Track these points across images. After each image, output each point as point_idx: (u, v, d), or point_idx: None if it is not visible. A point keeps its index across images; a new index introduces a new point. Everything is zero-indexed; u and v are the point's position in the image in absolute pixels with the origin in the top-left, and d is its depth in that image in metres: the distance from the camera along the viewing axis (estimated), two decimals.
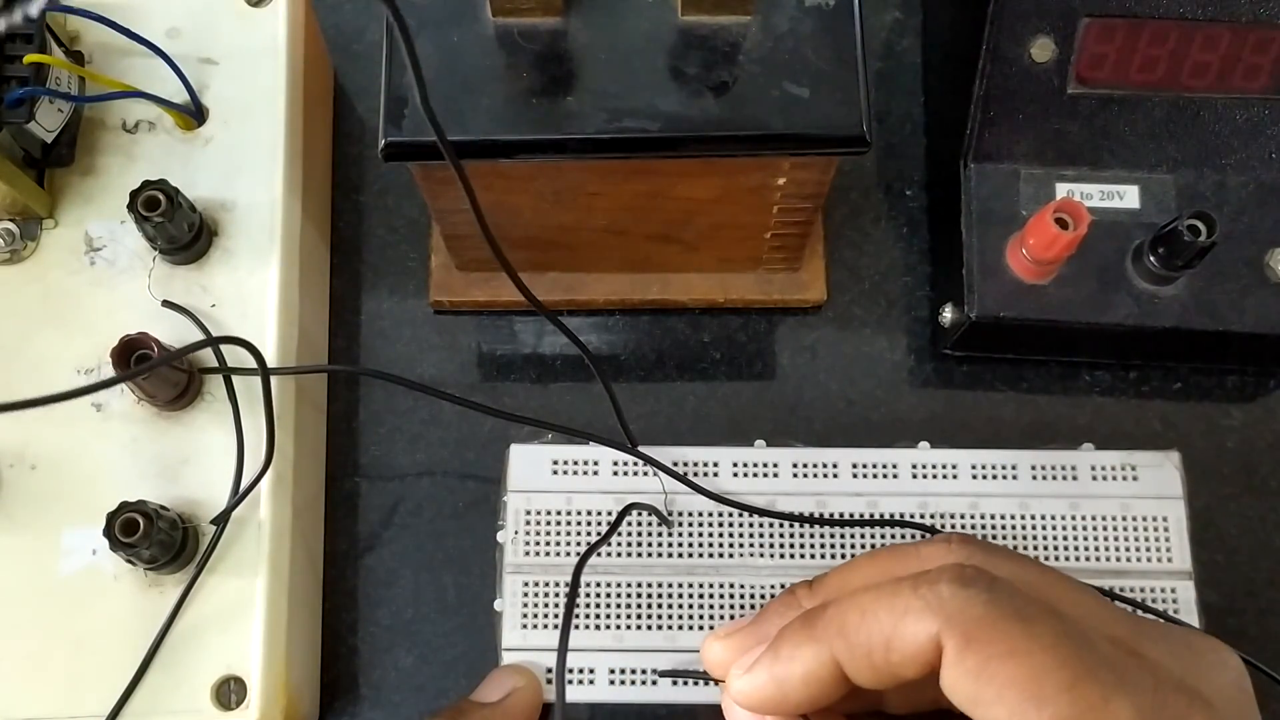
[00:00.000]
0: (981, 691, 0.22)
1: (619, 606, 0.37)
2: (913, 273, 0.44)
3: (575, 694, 0.36)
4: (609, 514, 0.38)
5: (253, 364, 0.35)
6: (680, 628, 0.37)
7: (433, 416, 0.42)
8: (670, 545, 0.38)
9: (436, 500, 0.41)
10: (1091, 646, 0.22)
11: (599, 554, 0.37)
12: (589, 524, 0.38)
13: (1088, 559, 0.38)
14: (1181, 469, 0.39)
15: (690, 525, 0.38)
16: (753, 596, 0.37)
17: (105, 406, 0.36)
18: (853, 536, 0.38)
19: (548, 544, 0.38)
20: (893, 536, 0.38)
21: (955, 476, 0.39)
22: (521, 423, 0.37)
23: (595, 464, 0.39)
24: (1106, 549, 0.38)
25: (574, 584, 0.36)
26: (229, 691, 0.34)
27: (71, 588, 0.35)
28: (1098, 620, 0.24)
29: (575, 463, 0.39)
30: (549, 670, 0.37)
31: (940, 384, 0.43)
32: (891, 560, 0.26)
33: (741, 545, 0.38)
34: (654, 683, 0.37)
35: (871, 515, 0.38)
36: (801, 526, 0.38)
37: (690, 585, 0.37)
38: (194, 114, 0.39)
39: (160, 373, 0.34)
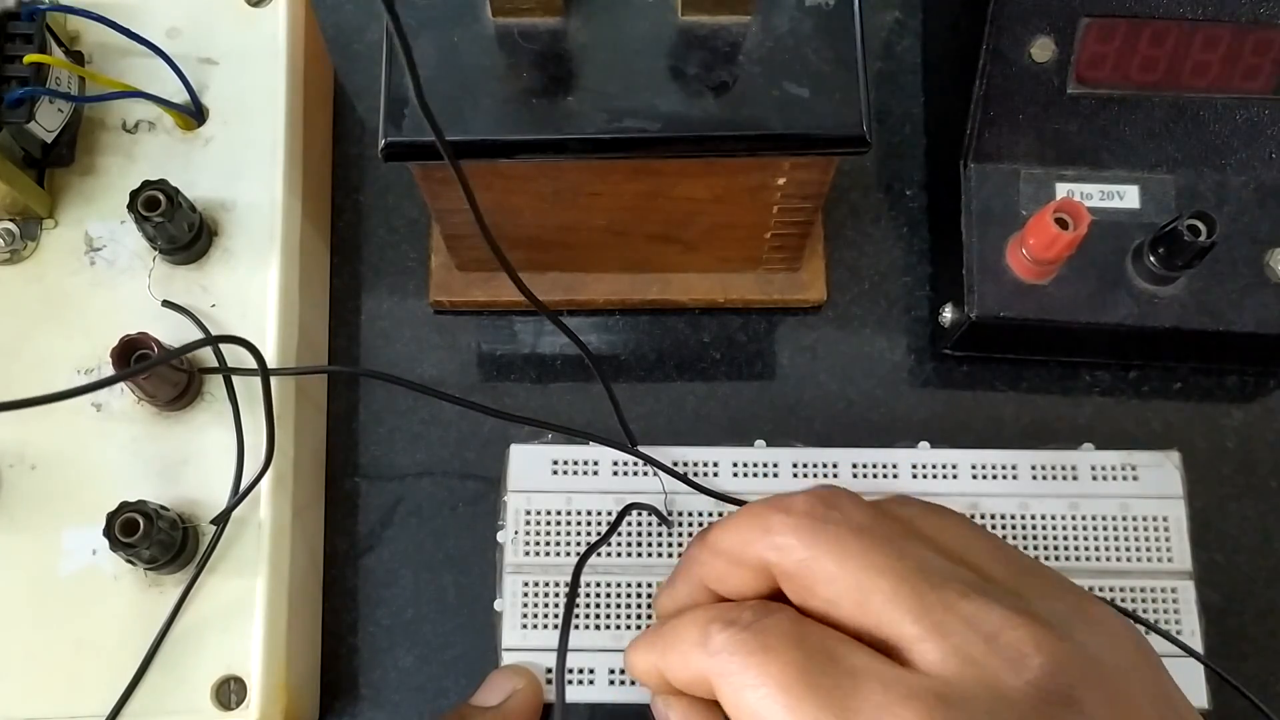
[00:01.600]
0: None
1: (619, 606, 0.37)
2: (913, 273, 0.44)
3: (575, 694, 0.36)
4: (609, 514, 0.38)
5: (252, 363, 0.35)
6: None
7: (433, 416, 0.42)
8: (670, 545, 0.38)
9: (436, 500, 0.41)
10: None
11: (599, 554, 0.37)
12: (589, 524, 0.38)
13: (1088, 559, 0.38)
14: (1181, 469, 0.39)
15: (690, 525, 0.38)
16: None
17: (105, 406, 0.36)
18: None
19: (548, 544, 0.38)
20: None
21: (955, 476, 0.39)
22: (521, 423, 0.37)
23: (595, 464, 0.39)
24: (1106, 549, 0.38)
25: (574, 584, 0.36)
26: (229, 691, 0.34)
27: (71, 588, 0.35)
28: (933, 578, 0.26)
29: (575, 463, 0.39)
30: (549, 670, 0.37)
31: (940, 384, 0.43)
32: (749, 528, 0.29)
33: None
34: None
35: None
36: None
37: None
38: (194, 114, 0.39)
39: (160, 372, 0.34)
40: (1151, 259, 0.38)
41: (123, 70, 0.39)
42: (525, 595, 0.37)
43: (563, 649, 0.36)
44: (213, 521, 0.35)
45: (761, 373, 0.43)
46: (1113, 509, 0.38)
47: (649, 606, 0.37)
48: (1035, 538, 0.38)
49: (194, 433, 0.36)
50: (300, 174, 0.39)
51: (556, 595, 0.37)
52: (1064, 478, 0.39)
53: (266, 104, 0.39)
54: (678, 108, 0.32)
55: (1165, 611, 0.37)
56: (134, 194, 0.35)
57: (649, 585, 0.37)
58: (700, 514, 0.38)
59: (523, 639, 0.37)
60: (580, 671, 0.37)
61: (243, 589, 0.35)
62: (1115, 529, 0.38)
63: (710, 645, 0.27)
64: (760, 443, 0.39)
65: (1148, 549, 0.38)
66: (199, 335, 0.36)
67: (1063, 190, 0.39)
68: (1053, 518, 0.38)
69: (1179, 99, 0.39)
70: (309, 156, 0.40)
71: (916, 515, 0.29)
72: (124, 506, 0.33)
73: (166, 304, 0.37)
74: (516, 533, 0.38)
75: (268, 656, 0.34)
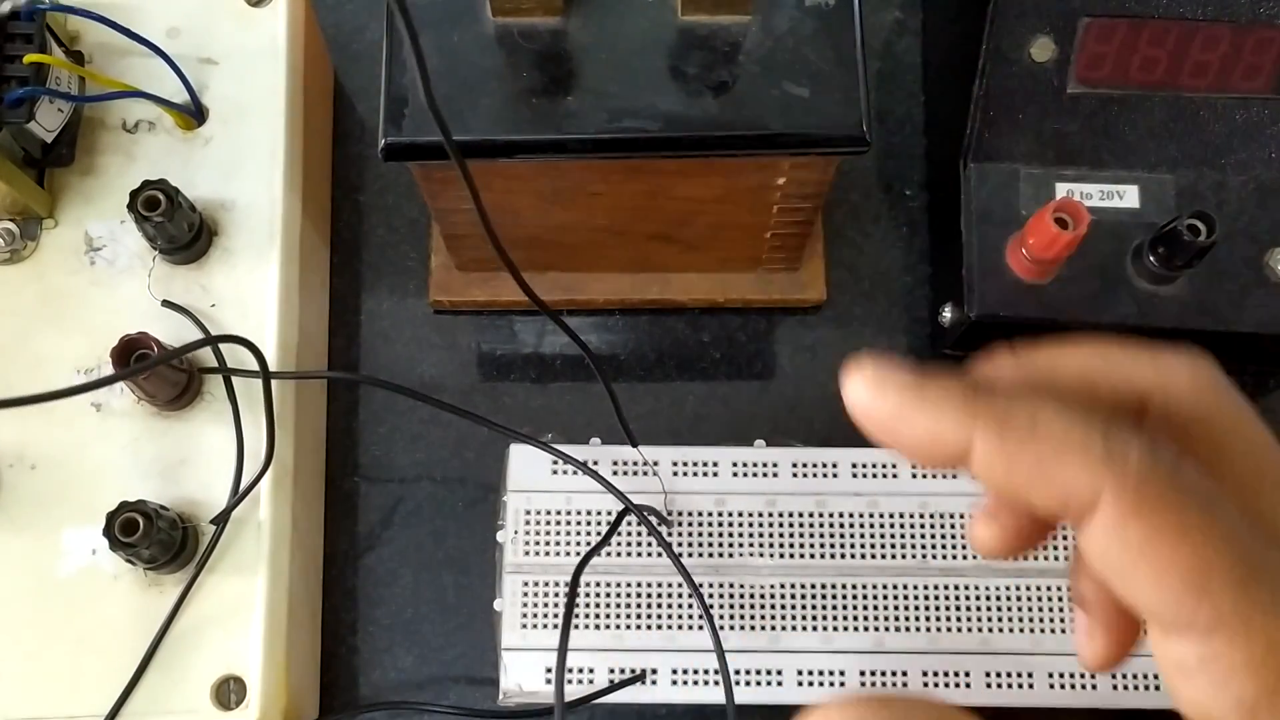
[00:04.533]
0: (1135, 566, 0.20)
1: (619, 606, 0.37)
2: (913, 273, 0.44)
3: (575, 694, 0.36)
4: (609, 514, 0.38)
5: (253, 363, 0.35)
6: (680, 628, 0.37)
7: (432, 416, 0.42)
8: (670, 545, 0.38)
9: (436, 500, 0.41)
10: (1269, 548, 0.20)
11: (599, 554, 0.37)
12: (589, 524, 0.38)
13: None
14: None
15: (690, 525, 0.38)
16: (753, 596, 0.37)
17: (105, 406, 0.36)
18: (853, 538, 0.38)
19: (547, 544, 0.38)
20: (894, 534, 0.38)
21: (955, 476, 0.39)
22: (516, 436, 0.37)
23: (595, 464, 0.39)
24: None
25: (573, 588, 0.36)
26: (229, 691, 0.34)
27: (71, 588, 0.35)
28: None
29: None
30: (549, 670, 0.37)
31: None
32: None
33: (741, 545, 0.38)
34: (654, 683, 0.37)
35: (870, 515, 0.38)
36: (801, 526, 0.38)
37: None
38: (194, 114, 0.39)
39: (160, 372, 0.34)
40: (1151, 259, 0.38)
41: (123, 70, 0.39)
42: (525, 595, 0.37)
43: (563, 651, 0.36)
44: (213, 521, 0.35)
45: (761, 373, 0.43)
46: None
47: (649, 606, 0.37)
48: None
49: (194, 433, 0.36)
50: (300, 174, 0.39)
51: (556, 595, 0.37)
52: None
53: (266, 104, 0.39)
54: (678, 108, 0.32)
55: None
56: (134, 194, 0.35)
57: (649, 585, 0.37)
58: (701, 514, 0.38)
59: (522, 639, 0.37)
60: (580, 671, 0.37)
61: (243, 589, 0.35)
62: None
63: (1127, 465, 0.19)
64: (760, 443, 0.39)
65: None
66: (199, 335, 0.36)
67: (1063, 190, 0.39)
68: None
69: (1179, 99, 0.39)
70: (309, 156, 0.40)
71: None
72: (124, 506, 0.33)
73: (166, 304, 0.37)
74: (516, 533, 0.38)
75: (268, 656, 0.34)
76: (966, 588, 0.38)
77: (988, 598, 0.37)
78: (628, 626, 0.37)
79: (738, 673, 0.37)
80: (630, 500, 0.37)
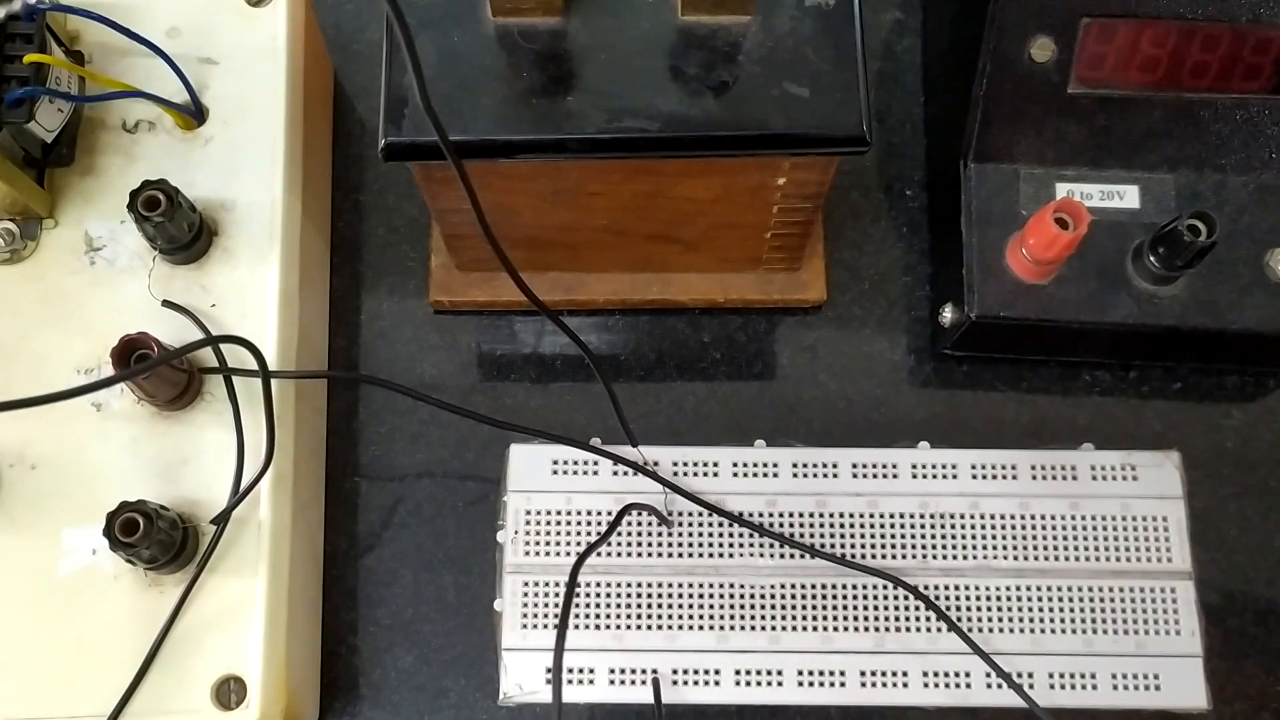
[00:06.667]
0: None
1: (619, 606, 0.37)
2: (913, 273, 0.44)
3: (575, 694, 0.36)
4: (609, 514, 0.38)
5: (253, 363, 0.35)
6: (680, 628, 0.37)
7: (433, 416, 0.42)
8: (670, 545, 0.38)
9: (436, 500, 0.41)
10: None
11: (599, 554, 0.37)
12: (589, 524, 0.38)
13: (1088, 559, 0.38)
14: (1181, 469, 0.39)
15: (690, 525, 0.38)
16: (753, 596, 0.37)
17: (105, 406, 0.36)
18: (853, 538, 0.38)
19: (548, 544, 0.38)
20: (894, 533, 0.38)
21: (955, 476, 0.39)
22: (520, 432, 0.37)
23: (595, 464, 0.39)
24: (1106, 549, 0.38)
25: (570, 584, 0.36)
26: (229, 691, 0.34)
27: (71, 588, 0.35)
28: None
29: (575, 462, 0.39)
30: (548, 670, 0.37)
31: (940, 384, 0.43)
32: None
33: (741, 545, 0.38)
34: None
35: (871, 515, 0.38)
36: (801, 526, 0.38)
37: (690, 585, 0.37)
38: (194, 114, 0.39)
39: (160, 372, 0.34)
40: (1151, 259, 0.38)
41: (123, 70, 0.39)
42: (525, 595, 0.37)
43: (559, 648, 0.36)
44: (213, 521, 0.35)
45: (761, 373, 0.43)
46: (1113, 509, 0.38)
47: (649, 606, 0.37)
48: (1035, 538, 0.38)
49: (194, 433, 0.36)
50: (300, 174, 0.39)
51: (556, 595, 0.37)
52: (1064, 478, 0.39)
53: (266, 104, 0.39)
54: (678, 108, 0.32)
55: (1165, 611, 0.37)
56: (134, 194, 0.35)
57: (649, 585, 0.37)
58: (701, 514, 0.38)
59: (522, 639, 0.37)
60: (580, 671, 0.37)
61: (243, 589, 0.35)
62: (1115, 529, 0.38)
63: None
64: (760, 443, 0.39)
65: (1148, 549, 0.38)
66: (199, 335, 0.36)
67: (1063, 190, 0.39)
68: (1053, 518, 0.38)
69: (1179, 99, 0.39)
70: (309, 156, 0.40)
71: None
72: (124, 506, 0.33)
73: (166, 304, 0.37)
74: (516, 533, 0.38)
75: (268, 656, 0.34)
76: (967, 588, 0.38)
77: (988, 598, 0.37)
78: (628, 626, 0.37)
79: (738, 672, 0.37)
80: (656, 475, 0.37)
